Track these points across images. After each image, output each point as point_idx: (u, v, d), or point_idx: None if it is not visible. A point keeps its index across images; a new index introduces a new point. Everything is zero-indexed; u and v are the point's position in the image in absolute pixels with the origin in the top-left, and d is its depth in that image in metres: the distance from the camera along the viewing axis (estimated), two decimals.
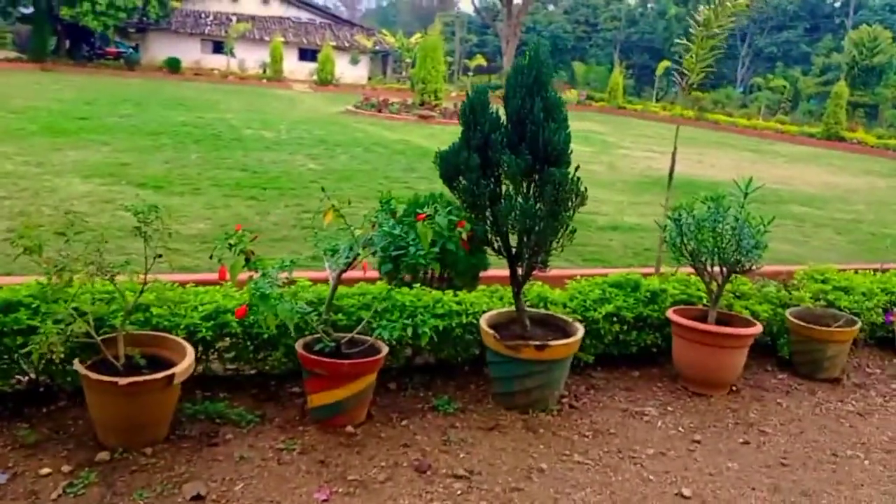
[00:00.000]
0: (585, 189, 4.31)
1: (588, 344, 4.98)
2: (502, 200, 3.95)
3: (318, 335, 3.99)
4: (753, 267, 4.83)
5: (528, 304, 4.84)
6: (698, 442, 4.22)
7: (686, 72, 6.32)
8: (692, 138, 27.59)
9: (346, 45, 49.77)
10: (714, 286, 4.98)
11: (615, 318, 5.00)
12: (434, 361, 4.85)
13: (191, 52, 47.53)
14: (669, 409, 4.62)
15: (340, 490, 3.45)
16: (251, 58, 45.22)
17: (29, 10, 38.34)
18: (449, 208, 3.88)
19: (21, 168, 10.84)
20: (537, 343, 4.16)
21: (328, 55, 41.49)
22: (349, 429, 3.96)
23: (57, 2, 35.04)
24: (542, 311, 4.72)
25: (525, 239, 4.02)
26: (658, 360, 5.23)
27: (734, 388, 4.98)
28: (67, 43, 41.53)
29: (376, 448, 3.83)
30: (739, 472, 3.92)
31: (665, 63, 46.64)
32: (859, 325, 5.32)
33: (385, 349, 4.05)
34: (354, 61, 47.13)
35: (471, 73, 57.87)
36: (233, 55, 42.23)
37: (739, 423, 4.48)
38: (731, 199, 5.06)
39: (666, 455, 4.04)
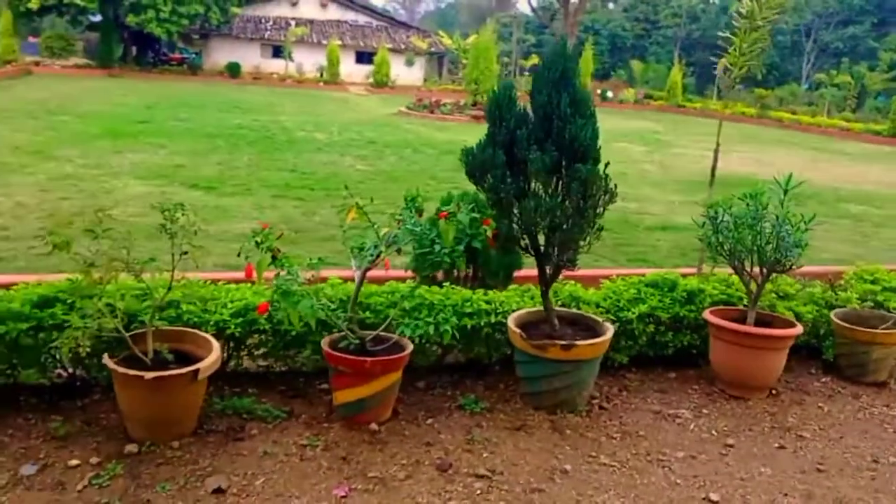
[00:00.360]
0: (615, 186, 4.24)
1: (622, 345, 4.91)
2: (528, 198, 3.91)
3: (344, 332, 4.01)
4: (793, 266, 4.68)
5: (559, 303, 4.79)
6: (731, 446, 4.11)
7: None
8: (753, 136, 27.00)
9: (402, 47, 50.02)
10: (753, 286, 4.84)
11: (650, 319, 4.91)
12: (464, 360, 4.84)
13: (251, 57, 48.43)
14: (704, 411, 4.51)
15: (360, 487, 3.46)
16: (308, 61, 45.82)
17: (98, 19, 39.60)
18: (472, 205, 3.86)
19: (81, 170, 11.20)
20: (564, 343, 4.11)
21: (384, 57, 41.79)
22: (373, 426, 3.97)
23: (123, 10, 36.03)
24: (574, 310, 4.66)
25: (551, 237, 3.97)
26: (696, 362, 5.11)
27: (774, 392, 4.83)
28: (134, 50, 42.77)
29: (399, 446, 3.83)
30: (772, 477, 3.80)
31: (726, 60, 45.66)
32: None
33: (409, 347, 4.05)
34: (410, 63, 47.33)
35: (527, 73, 57.67)
36: (291, 59, 42.87)
37: (776, 428, 4.35)
38: (772, 197, 4.91)
39: (696, 459, 3.94)
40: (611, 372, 4.92)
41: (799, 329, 4.77)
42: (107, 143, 13.92)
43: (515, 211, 3.98)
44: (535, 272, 5.65)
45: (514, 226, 4.02)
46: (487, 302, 4.64)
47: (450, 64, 58.03)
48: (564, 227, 3.94)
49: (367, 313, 4.33)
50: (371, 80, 43.22)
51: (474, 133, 18.19)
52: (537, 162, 3.85)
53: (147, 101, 23.53)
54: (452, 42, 61.44)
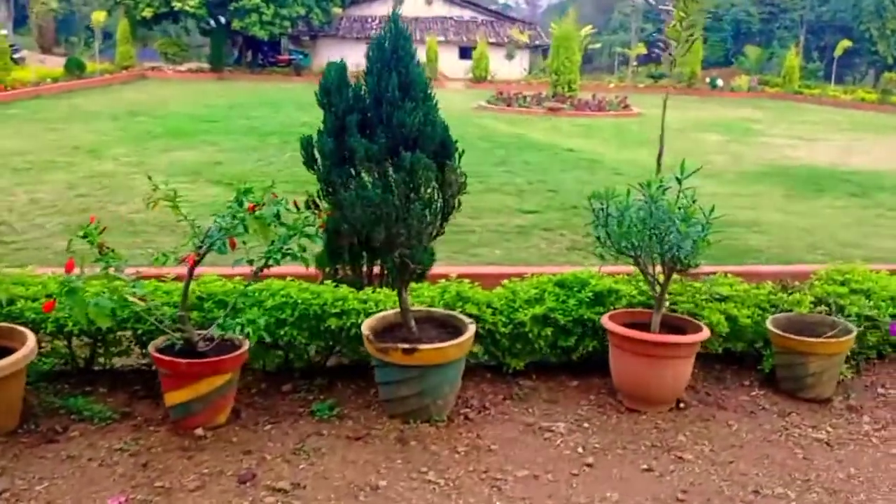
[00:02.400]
0: (464, 176, 3.88)
1: (517, 349, 4.51)
2: (350, 189, 3.61)
3: (185, 330, 3.84)
4: (692, 265, 4.13)
5: (442, 303, 4.44)
6: (590, 465, 3.66)
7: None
8: (865, 123, 24.98)
9: (506, 41, 49.57)
10: (658, 288, 4.32)
11: (547, 322, 4.47)
12: (349, 363, 4.58)
13: (357, 56, 49.12)
14: (585, 425, 4.06)
15: (140, 497, 3.27)
16: None
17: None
18: (282, 199, 3.60)
19: (119, 168, 11.60)
20: (405, 346, 3.78)
21: (482, 52, 41.51)
22: (199, 431, 3.78)
23: (229, 15, 37.45)
24: (446, 311, 4.30)
25: (377, 230, 3.64)
26: (606, 370, 4.62)
27: (680, 405, 4.30)
28: (247, 53, 44.51)
29: (213, 453, 3.63)
30: None
31: (845, 43, 42.67)
32: (854, 335, 4.43)
33: (242, 348, 3.84)
34: (510, 57, 46.88)
35: (635, 64, 55.96)
36: None
37: (656, 447, 3.85)
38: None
39: (538, 479, 3.52)
40: (504, 378, 4.54)
41: (704, 334, 4.22)
42: (162, 142, 14.39)
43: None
44: (462, 269, 5.33)
45: (342, 219, 3.72)
46: (363, 301, 4.36)
47: None
48: (392, 220, 3.61)
49: (219, 311, 4.14)
50: (470, 75, 43.05)
51: (544, 126, 17.82)
52: (361, 149, 3.55)
53: (235, 101, 24.28)
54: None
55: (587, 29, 60.17)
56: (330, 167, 3.66)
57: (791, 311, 4.72)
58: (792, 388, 4.46)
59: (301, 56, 46.94)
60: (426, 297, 4.50)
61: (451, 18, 53.69)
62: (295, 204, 3.87)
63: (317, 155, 3.89)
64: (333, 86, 3.68)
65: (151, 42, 44.64)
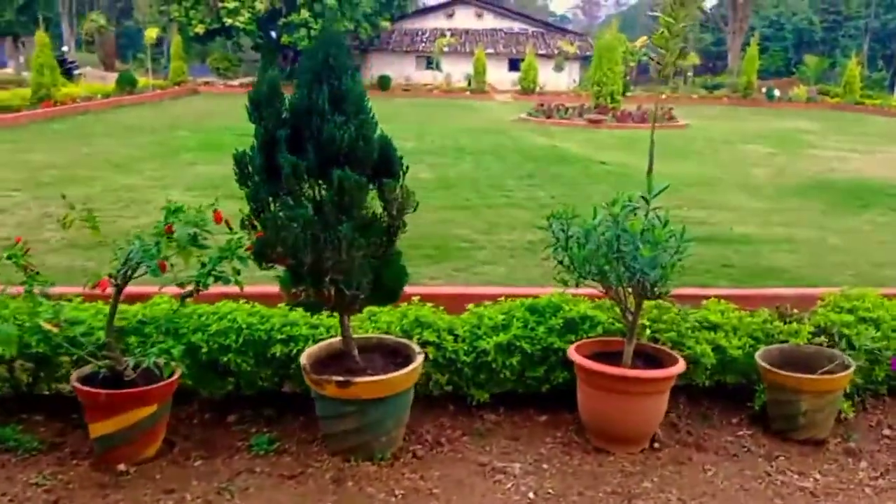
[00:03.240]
0: (409, 195, 3.59)
1: (481, 380, 4.19)
2: (274, 208, 3.35)
3: (107, 361, 3.63)
4: (663, 293, 3.75)
5: (400, 329, 4.15)
6: None
7: None
8: None
9: (555, 52, 49.10)
10: (630, 316, 3.95)
11: (513, 350, 4.14)
12: (301, 391, 4.31)
13: (406, 69, 49.54)
14: (544, 466, 3.71)
15: None
16: (458, 71, 46.06)
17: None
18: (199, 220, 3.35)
19: (141, 182, 11.62)
20: (338, 379, 3.49)
21: (531, 63, 41.14)
22: (122, 466, 3.55)
23: (278, 30, 37.93)
24: (398, 338, 4.00)
25: (303, 252, 3.37)
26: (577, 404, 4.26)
27: (656, 444, 3.92)
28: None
29: (131, 492, 3.39)
30: None
31: None
32: (851, 371, 3.98)
33: (172, 377, 3.61)
34: (559, 68, 46.37)
35: (690, 74, 54.85)
36: (439, 69, 43.32)
37: (616, 494, 3.48)
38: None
39: None
40: (468, 411, 4.22)
41: (677, 368, 3.83)
42: (191, 155, 14.46)
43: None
44: (443, 290, 5.05)
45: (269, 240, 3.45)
46: (314, 326, 4.10)
47: None
48: (320, 242, 3.33)
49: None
50: (519, 87, 42.72)
51: (582, 138, 17.40)
52: (287, 166, 3.29)
53: None
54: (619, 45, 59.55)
55: (642, 40, 59.44)
56: (259, 185, 3.41)
57: (786, 341, 4.29)
58: (783, 429, 4.03)
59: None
60: (383, 322, 4.22)
61: (501, 31, 53.49)
62: (227, 224, 3.64)
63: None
64: (264, 98, 3.43)
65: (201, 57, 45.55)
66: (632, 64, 60.62)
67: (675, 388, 4.40)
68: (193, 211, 3.71)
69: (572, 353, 3.92)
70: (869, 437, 4.10)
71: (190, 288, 3.54)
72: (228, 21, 36.38)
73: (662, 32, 4.93)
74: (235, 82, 41.85)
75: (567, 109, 23.89)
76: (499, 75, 47.31)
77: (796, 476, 3.68)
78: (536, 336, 4.17)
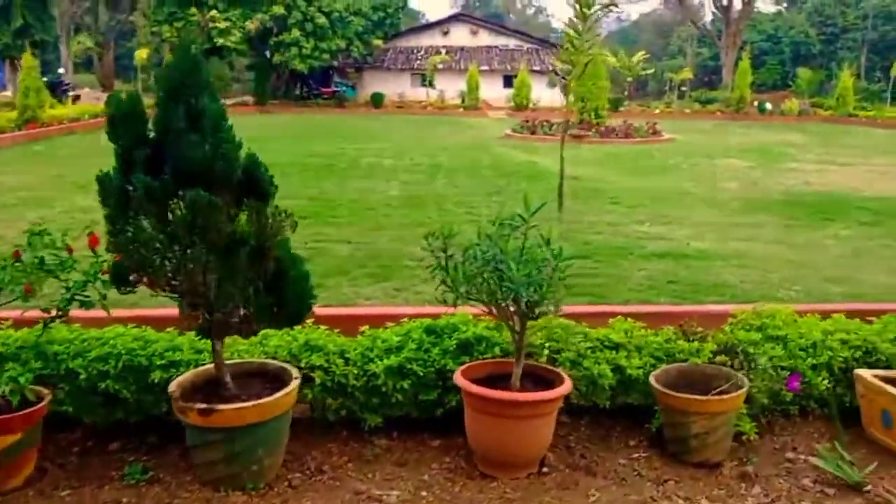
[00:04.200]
0: (283, 217, 3.51)
1: (375, 403, 4.10)
2: (124, 231, 3.28)
3: None
4: (541, 312, 3.66)
5: (288, 354, 4.07)
6: None
7: None
8: None
9: (549, 68, 49.22)
10: (517, 337, 3.86)
11: (404, 373, 4.04)
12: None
13: (402, 87, 49.72)
14: (423, 494, 3.61)
15: None
16: (452, 88, 46.20)
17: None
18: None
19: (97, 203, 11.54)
20: (200, 407, 3.40)
21: (523, 80, 41.21)
22: None
23: (270, 49, 38.13)
24: (281, 363, 3.92)
25: (157, 279, 3.29)
26: None
27: (545, 469, 3.81)
28: (297, 86, 45.28)
29: None
30: None
31: None
32: (744, 391, 3.87)
33: (39, 404, 3.52)
34: (552, 84, 46.37)
35: (685, 89, 54.82)
36: (432, 86, 43.43)
37: None
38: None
39: None
40: (361, 436, 4.12)
41: (561, 390, 3.73)
42: None
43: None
44: (378, 310, 4.99)
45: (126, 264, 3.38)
46: (198, 351, 4.02)
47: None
48: (176, 266, 3.26)
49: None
50: (512, 103, 42.79)
51: (564, 154, 17.20)
52: (140, 188, 3.22)
53: (262, 133, 24.40)
54: (618, 61, 59.87)
55: (640, 55, 59.59)
56: (115, 207, 3.34)
57: (686, 360, 4.19)
58: (678, 451, 3.93)
59: (346, 88, 47.49)
60: (272, 346, 4.13)
61: (496, 47, 53.69)
62: (91, 247, 3.57)
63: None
64: (119, 117, 3.36)
65: None
66: (629, 79, 60.72)
67: (578, 410, 4.35)
68: (59, 234, 3.66)
69: (458, 376, 3.82)
70: (770, 460, 3.99)
71: (54, 313, 3.46)
72: (220, 41, 36.57)
73: (567, 48, 4.84)
74: (229, 102, 42.06)
75: (551, 125, 23.84)
76: (493, 92, 47.42)
77: (682, 501, 3.57)
78: (430, 358, 4.08)
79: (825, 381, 4.24)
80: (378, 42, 43.27)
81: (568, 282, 7.47)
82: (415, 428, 4.18)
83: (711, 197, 13.04)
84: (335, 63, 45.03)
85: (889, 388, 3.98)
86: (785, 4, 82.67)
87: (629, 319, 4.53)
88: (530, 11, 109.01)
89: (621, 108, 40.51)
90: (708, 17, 72.78)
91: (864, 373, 4.17)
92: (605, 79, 24.81)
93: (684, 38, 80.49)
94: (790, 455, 4.03)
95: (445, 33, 54.47)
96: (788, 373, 4.20)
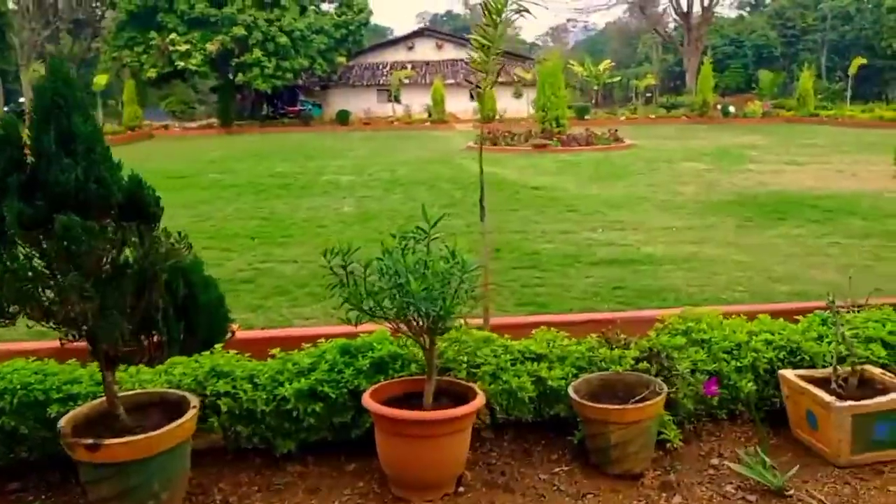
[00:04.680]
0: (174, 240, 3.38)
1: (287, 429, 3.95)
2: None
3: None
4: (446, 327, 3.55)
5: (192, 381, 3.91)
6: None
7: None
8: (871, 144, 23.88)
9: (516, 79, 49.42)
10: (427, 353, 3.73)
11: (316, 396, 3.90)
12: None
13: (369, 103, 49.70)
14: None
15: None
16: (418, 102, 46.25)
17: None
18: None
19: None
20: (87, 443, 3.24)
21: (489, 92, 41.14)
22: None
23: (232, 70, 37.92)
24: (182, 392, 3.76)
25: (32, 310, 3.14)
26: None
27: (461, 488, 3.68)
28: (263, 106, 45.06)
29: None
30: None
31: (859, 60, 41.57)
32: (661, 398, 3.77)
33: None
34: (518, 95, 46.57)
35: (650, 95, 55.29)
36: (398, 101, 43.43)
37: None
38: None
39: None
40: (275, 463, 3.97)
41: (473, 405, 3.61)
42: None
43: None
44: (266, 332, 4.85)
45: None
46: (98, 383, 3.84)
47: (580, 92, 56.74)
48: (54, 295, 3.11)
49: None
50: (478, 115, 42.84)
51: (522, 164, 17.37)
52: (11, 214, 3.07)
53: (224, 155, 24.25)
54: (584, 69, 60.42)
55: (606, 63, 60.10)
56: None
57: (608, 369, 4.09)
58: (600, 463, 3.82)
59: (312, 106, 47.35)
60: (177, 374, 3.98)
61: (461, 61, 53.69)
62: None
63: None
64: None
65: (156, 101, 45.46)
66: (595, 87, 61.18)
67: (503, 425, 4.23)
68: None
69: (366, 398, 3.69)
70: (695, 467, 3.88)
71: None
72: (181, 64, 36.33)
73: (478, 54, 4.74)
74: (194, 125, 41.81)
75: (514, 136, 23.84)
76: (460, 105, 47.50)
77: None
78: (343, 379, 3.94)
79: (749, 384, 4.15)
80: (342, 59, 43.21)
81: (512, 292, 7.40)
82: (332, 452, 4.04)
83: (667, 201, 13.04)
84: (300, 82, 44.92)
85: (811, 387, 3.90)
86: (748, 9, 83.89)
87: (553, 329, 4.42)
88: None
89: (587, 117, 40.70)
90: (672, 24, 73.43)
91: (788, 373, 4.09)
92: (565, 88, 24.86)
93: (650, 45, 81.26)
94: (715, 461, 3.93)
95: (410, 48, 54.59)
96: (716, 377, 4.11)
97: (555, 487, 3.71)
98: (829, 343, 4.23)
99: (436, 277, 3.45)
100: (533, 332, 4.44)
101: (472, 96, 49.32)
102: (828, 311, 4.03)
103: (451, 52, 54.48)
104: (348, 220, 11.76)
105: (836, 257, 8.70)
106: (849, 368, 3.98)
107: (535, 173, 17.32)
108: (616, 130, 24.80)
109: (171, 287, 3.95)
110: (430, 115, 43.16)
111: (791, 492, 3.56)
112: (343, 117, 41.45)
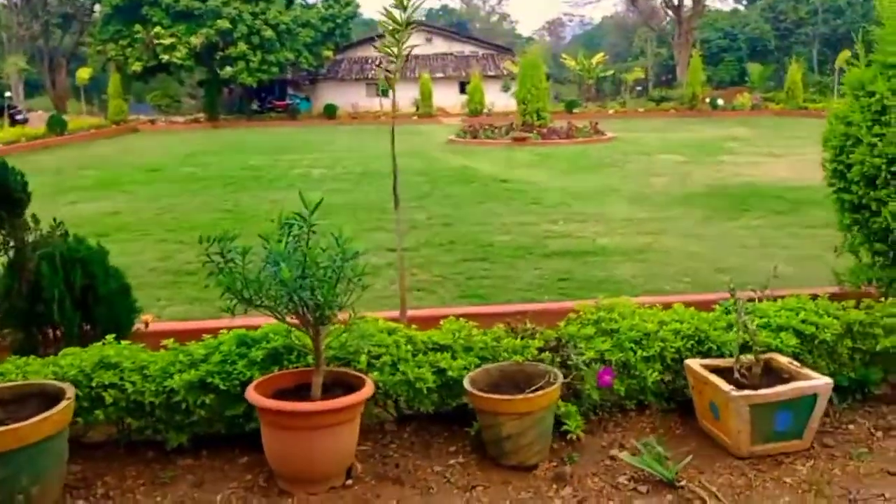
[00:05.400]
0: (29, 227, 3.28)
1: (178, 421, 3.86)
2: None
3: None
4: (327, 316, 3.46)
5: (79, 372, 3.82)
6: None
7: None
8: None
9: (505, 73, 49.27)
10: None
11: (207, 388, 3.81)
12: None
13: (357, 97, 49.52)
14: None
15: None
16: (407, 96, 46.03)
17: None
18: None
19: None
20: None
21: (476, 85, 41.11)
22: None
23: (217, 64, 37.71)
24: (61, 383, 3.66)
25: None
26: None
27: (348, 482, 3.59)
28: (251, 100, 44.88)
29: None
30: None
31: (846, 53, 41.40)
32: (552, 389, 3.68)
33: None
34: (506, 88, 46.39)
35: (640, 88, 55.19)
36: (385, 95, 43.19)
37: None
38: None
39: None
40: (166, 456, 3.88)
41: (358, 396, 3.52)
42: (78, 194, 14.09)
43: None
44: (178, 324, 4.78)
45: None
46: None
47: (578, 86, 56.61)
48: None
49: None
50: (466, 109, 42.72)
51: (498, 157, 17.28)
52: None
53: (203, 148, 24.13)
54: (577, 63, 60.22)
55: (598, 57, 59.85)
56: None
57: (509, 359, 4.00)
58: (494, 454, 3.73)
59: (300, 100, 47.17)
60: (65, 365, 3.88)
61: (451, 54, 53.67)
62: None
63: None
64: None
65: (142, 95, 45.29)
66: (589, 81, 60.98)
67: (407, 417, 4.16)
68: None
69: (250, 391, 3.59)
70: (594, 458, 3.79)
71: None
72: (165, 58, 36.13)
73: (386, 40, 4.64)
74: (181, 119, 41.62)
75: (494, 129, 23.73)
76: (450, 99, 47.41)
77: None
78: (235, 371, 3.85)
79: (654, 374, 4.06)
80: (328, 53, 43.01)
81: (457, 284, 7.32)
82: (227, 445, 3.95)
83: (636, 193, 12.95)
84: (287, 76, 44.75)
85: (712, 377, 3.82)
86: (744, 2, 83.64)
87: (461, 319, 4.33)
88: (494, 18, 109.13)
89: (576, 111, 40.60)
90: (666, 18, 73.23)
91: (693, 363, 4.00)
92: (545, 81, 24.72)
93: (645, 38, 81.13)
94: (614, 452, 3.84)
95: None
96: (610, 366, 4.04)
97: (445, 480, 3.62)
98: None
99: (314, 265, 3.36)
100: (441, 322, 4.35)
101: (461, 90, 49.24)
102: (730, 300, 3.94)
103: (440, 45, 54.29)
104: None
105: (790, 248, 8.63)
106: (752, 357, 3.89)
107: (509, 166, 17.22)
108: (597, 123, 24.68)
109: (69, 278, 3.87)
110: (417, 110, 42.99)
111: (683, 483, 3.48)
112: (330, 111, 41.26)
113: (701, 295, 6.26)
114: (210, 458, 3.88)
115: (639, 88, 53.86)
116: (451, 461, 3.79)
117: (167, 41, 35.78)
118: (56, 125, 29.05)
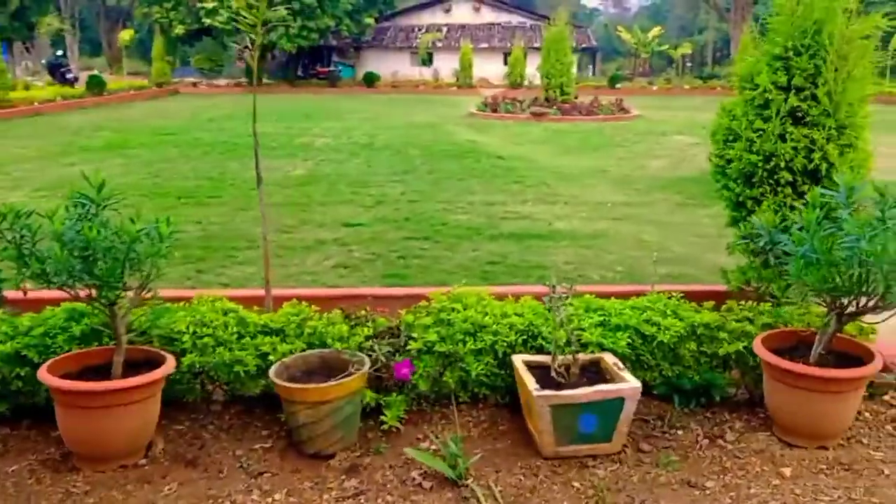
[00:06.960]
0: None
1: None
2: None
3: None
4: (118, 295, 3.46)
5: None
6: None
7: None
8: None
9: None
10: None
11: (22, 360, 3.87)
12: None
13: (402, 65, 49.44)
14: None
15: None
16: (450, 66, 45.79)
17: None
18: None
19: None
20: None
21: (518, 57, 40.52)
22: None
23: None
24: None
25: None
26: None
27: (142, 461, 3.62)
28: (297, 66, 45.18)
29: None
30: None
31: None
32: (350, 379, 3.63)
33: None
34: None
35: (690, 64, 53.76)
36: (426, 65, 43.06)
37: None
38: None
39: None
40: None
41: (149, 377, 3.52)
42: (80, 157, 14.37)
43: None
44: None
45: None
46: None
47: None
48: None
49: None
50: (507, 81, 42.23)
51: (512, 133, 17.11)
52: None
53: (229, 113, 24.35)
54: (633, 36, 59.05)
55: (655, 31, 58.42)
56: None
57: (330, 347, 3.96)
58: (298, 442, 3.71)
59: (343, 67, 47.26)
60: None
61: (497, 24, 53.02)
62: None
63: None
64: None
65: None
66: (644, 55, 59.70)
67: (236, 399, 4.17)
68: None
69: (42, 370, 3.59)
70: (401, 451, 3.74)
71: None
72: (207, 21, 36.47)
73: (244, 16, 4.56)
74: (222, 82, 42.10)
75: (514, 103, 23.40)
76: (494, 70, 46.93)
77: (257, 493, 3.36)
78: (54, 344, 3.88)
79: (480, 367, 3.97)
80: (370, 20, 42.84)
81: (386, 263, 7.26)
82: (50, 417, 4.00)
83: (625, 175, 12.67)
84: (332, 42, 44.81)
85: (525, 374, 3.72)
86: None
87: (303, 303, 4.30)
88: None
89: (619, 86, 39.84)
90: None
91: (517, 359, 3.91)
92: (570, 54, 24.22)
93: (707, 12, 78.86)
94: (425, 446, 3.79)
95: (447, 10, 53.86)
96: (446, 359, 3.97)
97: (240, 465, 3.61)
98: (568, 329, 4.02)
99: (97, 244, 3.36)
100: (284, 304, 4.33)
101: (505, 61, 48.65)
102: (548, 295, 3.82)
103: (488, 15, 53.68)
104: (290, 183, 11.70)
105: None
106: (570, 357, 3.78)
107: (515, 143, 16.99)
108: (622, 100, 24.15)
109: None
110: (457, 80, 42.66)
111: (469, 481, 3.41)
112: (370, 80, 41.22)
113: (619, 286, 6.16)
114: (28, 429, 3.94)
115: (689, 65, 52.48)
116: (257, 446, 3.79)
117: (210, 5, 36.08)
118: (94, 85, 29.67)
